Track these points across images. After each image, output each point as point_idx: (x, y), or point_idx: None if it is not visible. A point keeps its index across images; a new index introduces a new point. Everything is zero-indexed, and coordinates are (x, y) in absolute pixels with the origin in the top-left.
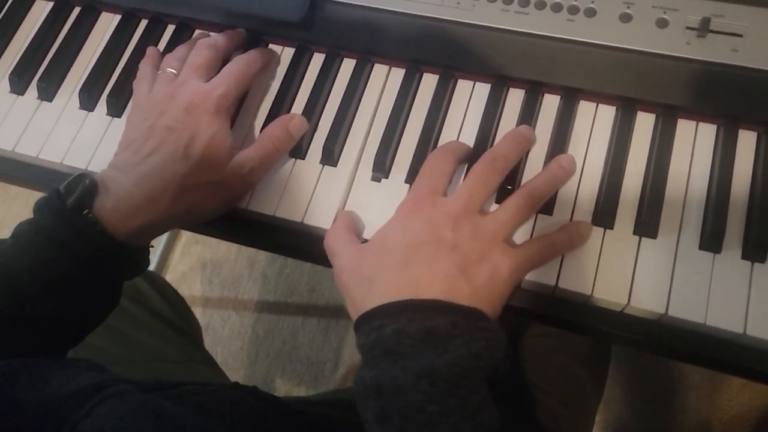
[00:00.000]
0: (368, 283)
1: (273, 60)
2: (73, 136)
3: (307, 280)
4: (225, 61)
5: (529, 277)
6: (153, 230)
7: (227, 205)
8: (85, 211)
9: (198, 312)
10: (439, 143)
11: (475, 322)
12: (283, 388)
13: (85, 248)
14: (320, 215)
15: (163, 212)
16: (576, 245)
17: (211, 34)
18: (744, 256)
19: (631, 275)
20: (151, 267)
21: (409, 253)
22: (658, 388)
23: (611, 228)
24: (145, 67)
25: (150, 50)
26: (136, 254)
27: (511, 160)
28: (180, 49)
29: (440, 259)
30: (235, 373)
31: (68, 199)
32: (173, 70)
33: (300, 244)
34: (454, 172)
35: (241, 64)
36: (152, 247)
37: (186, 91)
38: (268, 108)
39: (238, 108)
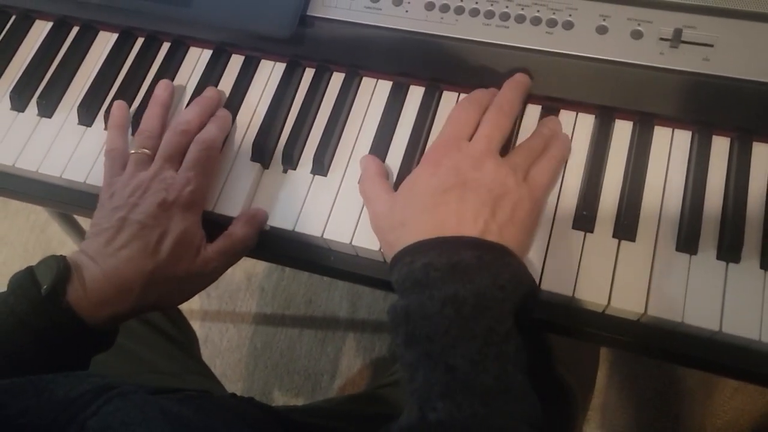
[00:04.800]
0: (401, 227)
1: (229, 120)
2: (72, 150)
3: (303, 292)
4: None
5: None
6: (122, 318)
7: (193, 295)
8: (59, 299)
9: (196, 325)
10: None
11: (501, 256)
12: (281, 400)
13: (58, 335)
14: (311, 223)
15: (132, 304)
16: (569, 145)
17: (203, 50)
18: (719, 257)
19: (611, 277)
20: None
21: (437, 195)
22: (653, 393)
23: (591, 232)
24: (114, 135)
25: (117, 111)
26: (106, 337)
27: (516, 104)
28: (152, 121)
29: (467, 200)
30: (234, 385)
31: (43, 284)
32: (147, 151)
33: (293, 252)
34: (478, 119)
35: (206, 150)
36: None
37: (159, 186)
38: (260, 121)
39: (231, 120)
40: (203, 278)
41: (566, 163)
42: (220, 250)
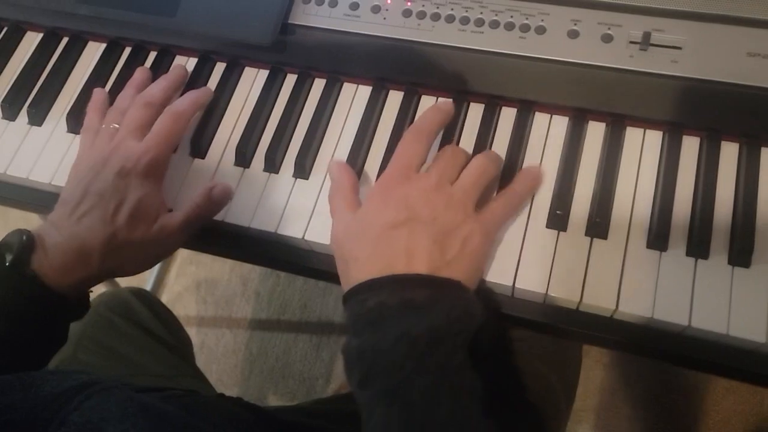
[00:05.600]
0: (353, 261)
1: (207, 97)
2: (61, 157)
3: (299, 297)
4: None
5: (488, 278)
6: (87, 283)
7: (159, 259)
8: (23, 268)
9: (193, 331)
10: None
11: (451, 292)
12: (277, 404)
13: (27, 303)
14: (293, 225)
15: (94, 269)
16: (536, 189)
17: (188, 59)
18: (688, 253)
19: (584, 274)
20: (148, 287)
21: (388, 231)
22: (646, 394)
23: (564, 230)
24: (92, 116)
25: (96, 95)
26: (76, 303)
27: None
28: (125, 101)
29: (417, 235)
30: (229, 390)
31: (7, 256)
32: (116, 125)
33: (277, 253)
34: (428, 149)
35: (170, 119)
36: (92, 292)
37: (119, 155)
38: (244, 126)
39: (216, 126)
40: (164, 246)
41: (540, 164)
42: (178, 217)
